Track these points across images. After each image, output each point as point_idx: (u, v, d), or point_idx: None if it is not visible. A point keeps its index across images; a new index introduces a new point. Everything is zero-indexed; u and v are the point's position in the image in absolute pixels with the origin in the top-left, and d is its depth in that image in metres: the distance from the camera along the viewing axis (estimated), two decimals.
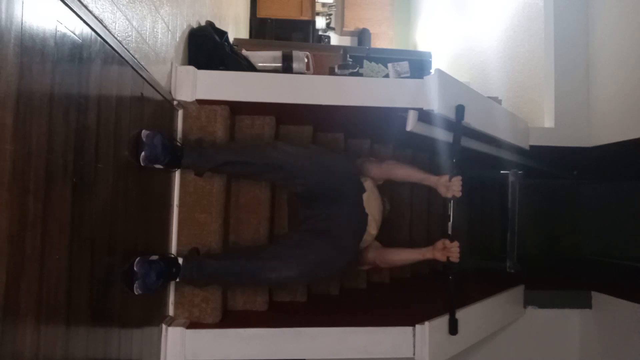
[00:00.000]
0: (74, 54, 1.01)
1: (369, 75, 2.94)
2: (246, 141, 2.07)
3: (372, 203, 1.98)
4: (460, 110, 1.90)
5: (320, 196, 1.91)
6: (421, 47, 5.95)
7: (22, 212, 0.84)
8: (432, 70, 2.72)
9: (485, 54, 3.96)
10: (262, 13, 5.37)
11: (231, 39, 2.83)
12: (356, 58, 3.66)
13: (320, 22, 6.34)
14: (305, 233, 1.90)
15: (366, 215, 1.95)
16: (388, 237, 2.17)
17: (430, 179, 1.94)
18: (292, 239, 1.90)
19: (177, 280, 1.68)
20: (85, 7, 1.03)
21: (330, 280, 2.34)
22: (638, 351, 2.45)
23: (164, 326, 1.72)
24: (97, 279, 1.17)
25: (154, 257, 1.55)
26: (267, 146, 1.91)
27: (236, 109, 1.99)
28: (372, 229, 1.99)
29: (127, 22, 1.30)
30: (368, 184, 1.99)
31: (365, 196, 1.95)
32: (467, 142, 2.26)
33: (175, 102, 1.82)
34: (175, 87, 1.81)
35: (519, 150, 2.64)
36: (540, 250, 3.51)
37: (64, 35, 0.96)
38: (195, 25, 2.14)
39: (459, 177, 1.86)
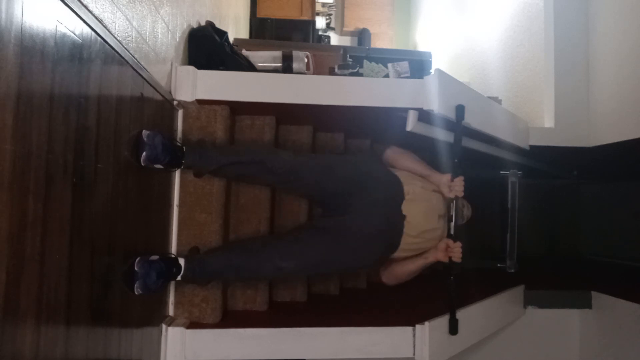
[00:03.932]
0: (74, 54, 1.01)
1: (369, 75, 2.94)
2: (247, 144, 2.08)
3: (414, 210, 1.85)
4: (460, 110, 1.90)
5: (327, 199, 1.94)
6: (421, 47, 5.94)
7: (22, 212, 0.84)
8: (432, 70, 2.72)
9: (485, 54, 3.96)
10: (262, 13, 5.37)
11: (231, 39, 2.83)
12: (356, 58, 3.66)
13: (320, 22, 6.34)
14: (311, 229, 1.92)
15: (402, 221, 1.83)
16: None
17: (434, 177, 1.94)
18: (295, 234, 1.92)
19: (179, 279, 1.68)
20: (85, 7, 1.03)
21: (341, 274, 2.36)
22: (638, 351, 2.45)
23: (164, 326, 1.73)
24: (97, 279, 1.17)
25: (154, 257, 1.55)
26: (268, 151, 1.94)
27: (236, 109, 1.99)
28: (409, 237, 1.86)
29: (127, 22, 1.30)
30: (411, 189, 1.87)
31: (404, 204, 1.85)
32: (467, 142, 2.26)
33: (175, 102, 1.82)
34: (175, 87, 1.81)
35: (519, 150, 2.64)
36: (540, 250, 3.51)
37: (64, 35, 0.96)
38: (195, 25, 2.14)
39: (462, 178, 1.87)
